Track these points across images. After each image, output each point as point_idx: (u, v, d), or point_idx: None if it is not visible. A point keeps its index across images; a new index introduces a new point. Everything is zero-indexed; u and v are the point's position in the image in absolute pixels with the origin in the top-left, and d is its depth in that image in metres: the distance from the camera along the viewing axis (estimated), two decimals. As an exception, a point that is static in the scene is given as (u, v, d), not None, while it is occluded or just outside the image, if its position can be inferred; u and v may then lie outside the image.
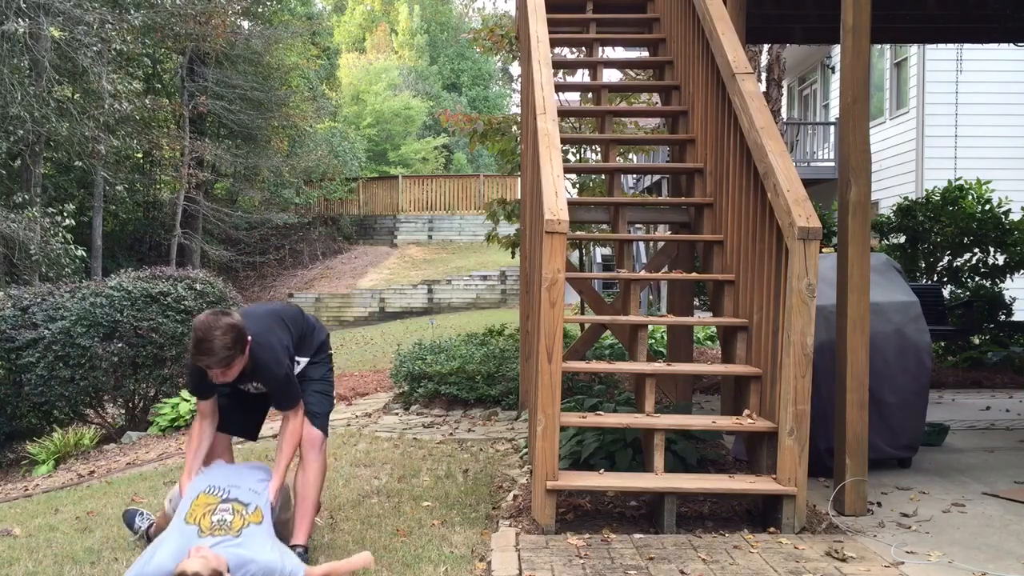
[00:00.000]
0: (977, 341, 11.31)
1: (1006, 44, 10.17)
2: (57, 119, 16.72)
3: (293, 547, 3.91)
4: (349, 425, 7.79)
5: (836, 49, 17.12)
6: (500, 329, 11.05)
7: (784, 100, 17.11)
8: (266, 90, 23.81)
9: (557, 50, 8.82)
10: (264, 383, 4.06)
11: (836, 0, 4.99)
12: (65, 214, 15.95)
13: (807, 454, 4.30)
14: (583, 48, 8.66)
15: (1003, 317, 10.98)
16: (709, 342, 12.63)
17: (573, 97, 12.14)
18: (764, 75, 15.12)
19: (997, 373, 9.89)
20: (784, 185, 4.49)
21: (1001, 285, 11.12)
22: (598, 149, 10.73)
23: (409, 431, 7.31)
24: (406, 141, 35.51)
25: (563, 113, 7.59)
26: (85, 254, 16.84)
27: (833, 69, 19.06)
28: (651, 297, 18.10)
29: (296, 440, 4.09)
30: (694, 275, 6.12)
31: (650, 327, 8.26)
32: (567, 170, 7.02)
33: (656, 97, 9.32)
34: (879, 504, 4.76)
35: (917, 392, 5.46)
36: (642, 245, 17.71)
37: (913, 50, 16.16)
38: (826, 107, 20.08)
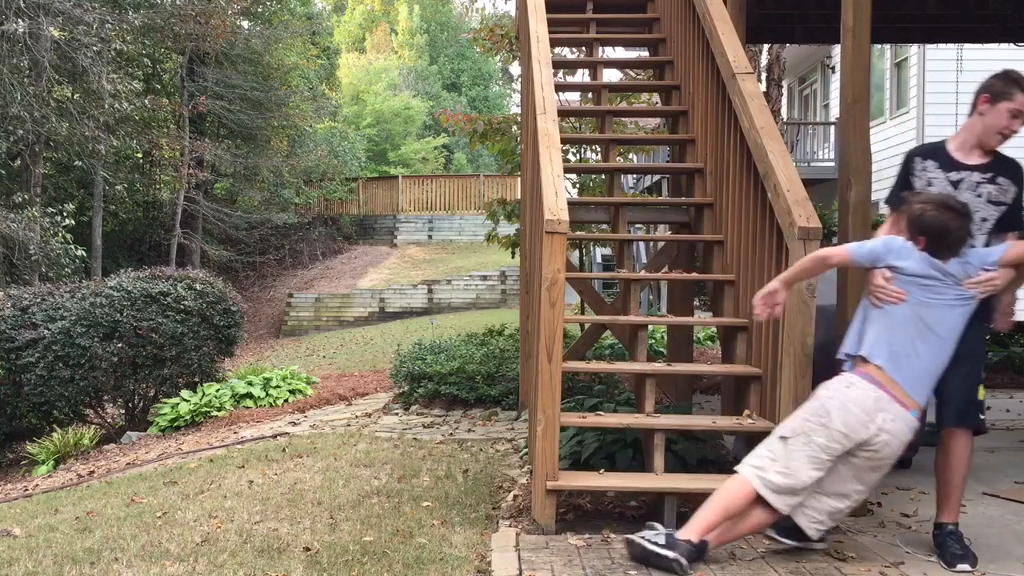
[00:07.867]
0: (977, 341, 11.28)
1: (1006, 44, 10.16)
2: (57, 119, 16.72)
3: (941, 524, 3.87)
4: (349, 425, 7.79)
5: (836, 49, 17.10)
6: (500, 329, 11.05)
7: (784, 100, 17.13)
8: (266, 90, 23.80)
9: (557, 50, 8.82)
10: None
11: (836, 0, 4.99)
12: (65, 214, 15.97)
13: (807, 454, 4.29)
14: (583, 48, 8.66)
15: (1003, 317, 10.96)
16: (709, 342, 12.62)
17: (573, 97, 12.14)
18: (764, 75, 15.13)
19: (997, 373, 9.86)
20: (784, 185, 4.49)
21: (1001, 285, 11.09)
22: (598, 149, 10.73)
23: (409, 431, 7.31)
24: (406, 141, 35.52)
25: (563, 113, 7.58)
26: (85, 254, 16.83)
27: (833, 69, 19.06)
28: (651, 297, 18.10)
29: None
30: (694, 275, 6.11)
31: (650, 327, 8.26)
32: (567, 170, 7.02)
33: (656, 97, 9.32)
34: (879, 504, 4.75)
35: (917, 392, 5.45)
36: (642, 245, 17.70)
37: (913, 50, 16.16)
38: (826, 107, 20.08)
